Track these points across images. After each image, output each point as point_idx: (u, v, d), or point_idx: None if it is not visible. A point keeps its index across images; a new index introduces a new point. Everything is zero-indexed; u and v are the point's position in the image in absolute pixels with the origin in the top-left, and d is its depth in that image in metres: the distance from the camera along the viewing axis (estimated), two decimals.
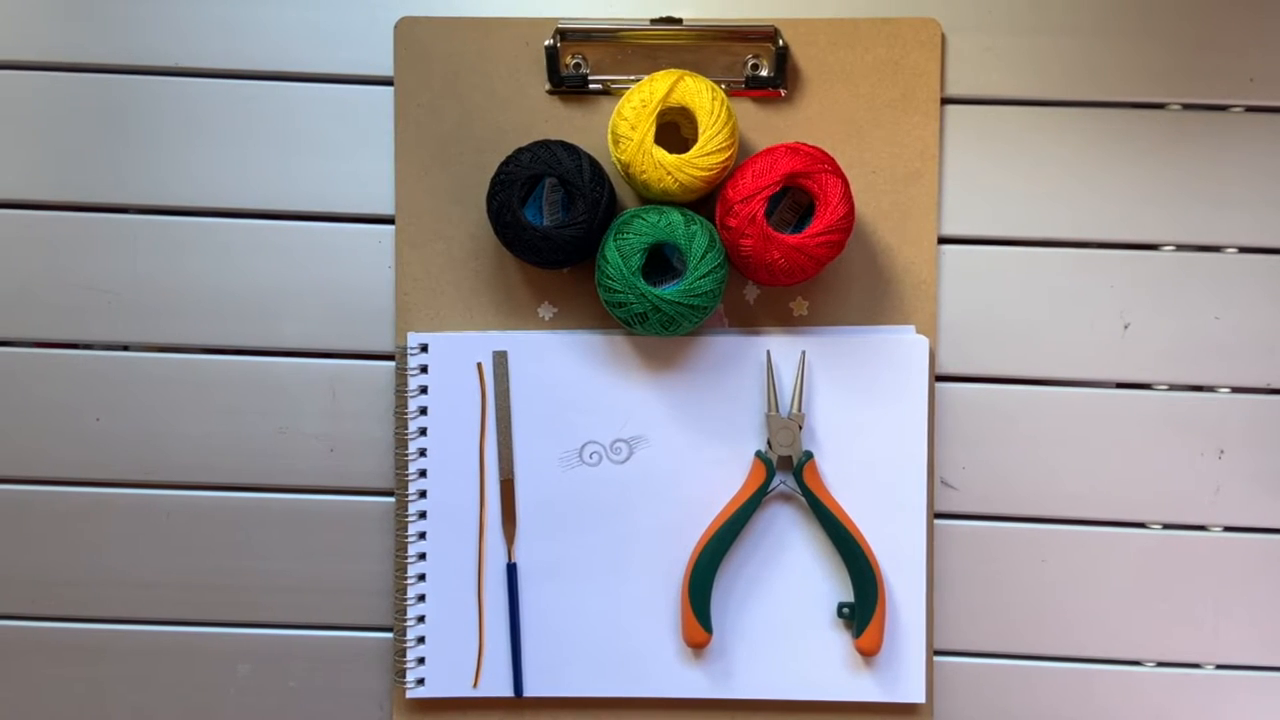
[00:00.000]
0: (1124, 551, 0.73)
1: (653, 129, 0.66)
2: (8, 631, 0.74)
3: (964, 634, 0.73)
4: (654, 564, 0.71)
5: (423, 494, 0.72)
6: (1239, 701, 0.73)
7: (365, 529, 0.73)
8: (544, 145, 0.67)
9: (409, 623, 0.71)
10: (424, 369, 0.72)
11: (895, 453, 0.71)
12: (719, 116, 0.66)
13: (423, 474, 0.72)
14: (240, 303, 0.73)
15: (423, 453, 0.72)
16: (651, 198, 0.68)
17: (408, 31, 0.72)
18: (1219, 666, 0.73)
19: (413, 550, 0.72)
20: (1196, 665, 0.73)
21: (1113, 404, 0.73)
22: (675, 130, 0.70)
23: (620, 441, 0.71)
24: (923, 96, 0.72)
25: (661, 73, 0.67)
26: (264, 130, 0.73)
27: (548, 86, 0.72)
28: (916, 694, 0.71)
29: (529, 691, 0.71)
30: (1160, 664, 0.73)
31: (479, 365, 0.72)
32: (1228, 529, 0.73)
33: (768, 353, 0.71)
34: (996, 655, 0.73)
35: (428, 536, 0.72)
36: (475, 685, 0.71)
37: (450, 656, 0.71)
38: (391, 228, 0.73)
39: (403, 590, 0.72)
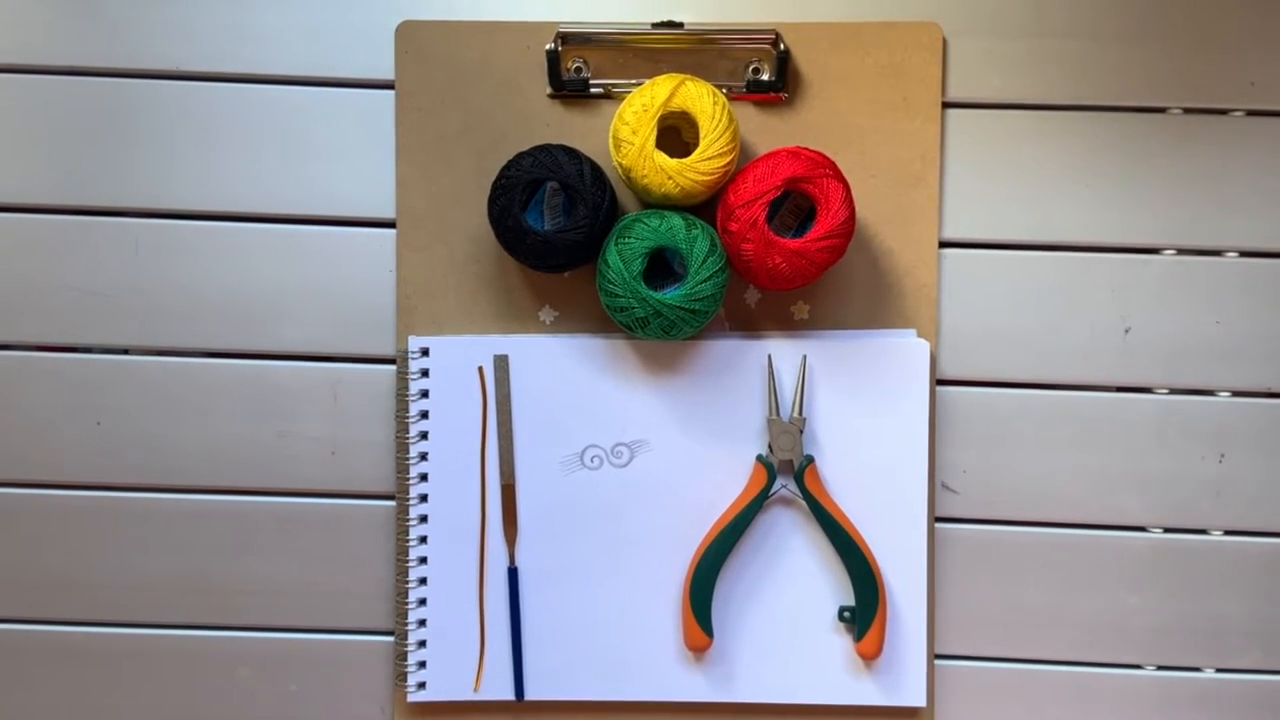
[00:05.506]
0: (1125, 555, 0.73)
1: (654, 133, 0.66)
2: (8, 635, 0.74)
3: (965, 638, 0.73)
4: (655, 568, 0.71)
5: (424, 498, 0.72)
6: (1239, 706, 0.73)
7: (366, 532, 0.73)
8: (545, 149, 0.67)
9: (410, 626, 0.71)
10: (425, 373, 0.72)
11: (896, 457, 0.71)
12: (720, 121, 0.66)
13: (424, 478, 0.72)
14: (241, 306, 0.73)
15: (424, 456, 0.72)
16: (653, 202, 0.68)
17: (409, 35, 0.72)
18: (1219, 670, 0.73)
19: (414, 554, 0.72)
20: (1197, 669, 0.73)
21: (1113, 408, 0.73)
22: (676, 135, 0.70)
23: (621, 445, 0.71)
24: (924, 100, 0.72)
25: (663, 77, 0.67)
26: (265, 134, 0.73)
27: (549, 90, 0.72)
28: (917, 698, 0.71)
29: (530, 695, 0.71)
30: (1160, 667, 0.73)
31: (480, 369, 0.72)
32: (1228, 533, 0.73)
33: (769, 357, 0.71)
34: (997, 659, 0.73)
35: (429, 540, 0.72)
36: (476, 689, 0.71)
37: (451, 660, 0.71)
38: (393, 231, 0.73)
39: (404, 594, 0.72)
